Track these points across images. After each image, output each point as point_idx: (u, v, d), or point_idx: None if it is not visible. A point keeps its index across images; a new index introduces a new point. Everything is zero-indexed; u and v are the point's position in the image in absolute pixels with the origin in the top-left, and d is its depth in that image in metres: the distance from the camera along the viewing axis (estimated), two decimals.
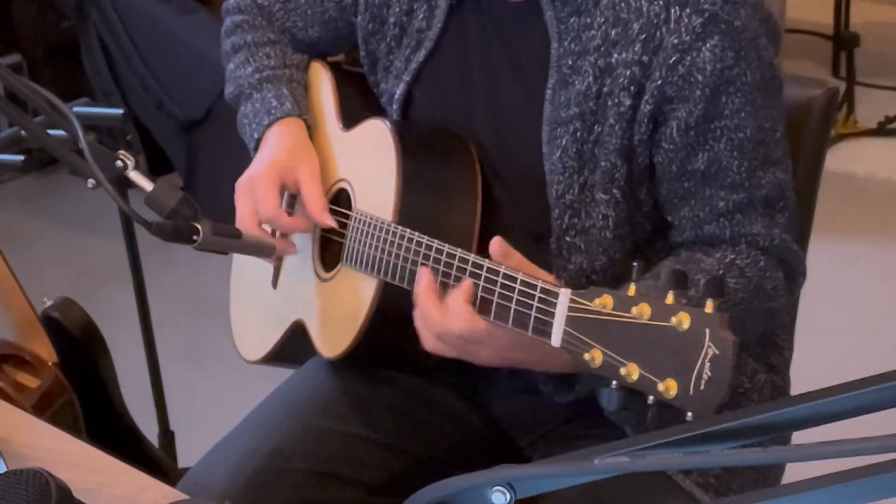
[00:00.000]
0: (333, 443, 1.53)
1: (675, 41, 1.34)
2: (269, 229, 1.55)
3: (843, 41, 4.57)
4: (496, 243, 1.28)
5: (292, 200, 1.61)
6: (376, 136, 1.51)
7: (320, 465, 1.51)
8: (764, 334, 1.53)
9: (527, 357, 1.33)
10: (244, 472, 1.49)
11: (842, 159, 4.02)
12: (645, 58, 1.36)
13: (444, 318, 1.29)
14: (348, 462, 1.53)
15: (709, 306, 1.02)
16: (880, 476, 0.63)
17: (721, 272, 1.37)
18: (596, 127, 1.40)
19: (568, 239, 1.43)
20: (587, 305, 1.11)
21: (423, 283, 1.32)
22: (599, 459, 0.74)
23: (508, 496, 0.78)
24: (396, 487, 1.53)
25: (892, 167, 4.05)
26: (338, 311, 1.54)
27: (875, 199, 3.92)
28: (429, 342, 1.33)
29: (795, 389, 1.59)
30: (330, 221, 1.50)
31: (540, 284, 1.20)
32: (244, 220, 1.52)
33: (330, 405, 1.57)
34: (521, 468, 0.79)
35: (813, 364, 1.92)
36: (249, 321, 1.74)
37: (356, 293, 1.48)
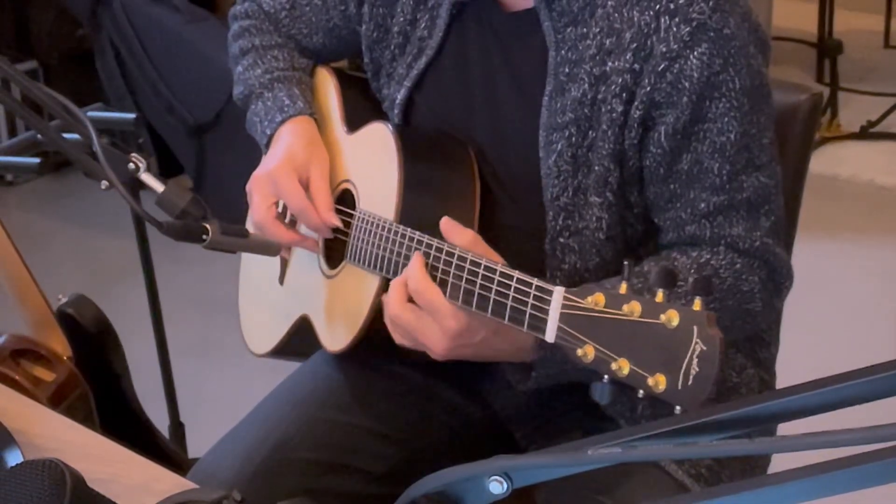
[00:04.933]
0: (337, 434, 1.54)
1: (664, 49, 1.36)
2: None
3: (826, 48, 4.60)
4: (445, 221, 1.32)
5: None
6: (379, 139, 1.52)
7: (324, 456, 1.52)
8: (752, 330, 1.54)
9: (497, 344, 1.35)
10: (251, 462, 1.50)
11: (826, 162, 4.05)
12: (636, 66, 1.37)
13: (421, 318, 1.33)
14: (351, 452, 1.54)
15: (697, 304, 1.02)
16: (862, 466, 0.64)
17: (693, 270, 1.37)
18: (590, 132, 1.41)
19: (562, 240, 1.45)
20: (580, 303, 1.12)
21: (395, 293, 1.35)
22: (593, 450, 0.76)
23: (506, 485, 0.80)
24: (398, 476, 1.54)
25: (874, 169, 4.07)
26: (342, 306, 1.55)
27: (858, 199, 3.95)
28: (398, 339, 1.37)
29: (781, 383, 1.60)
30: (335, 221, 1.52)
31: (535, 283, 1.20)
32: (262, 212, 1.53)
33: (334, 397, 1.58)
34: (518, 458, 0.80)
35: (798, 359, 1.92)
36: (257, 316, 1.75)
37: (359, 290, 1.50)
